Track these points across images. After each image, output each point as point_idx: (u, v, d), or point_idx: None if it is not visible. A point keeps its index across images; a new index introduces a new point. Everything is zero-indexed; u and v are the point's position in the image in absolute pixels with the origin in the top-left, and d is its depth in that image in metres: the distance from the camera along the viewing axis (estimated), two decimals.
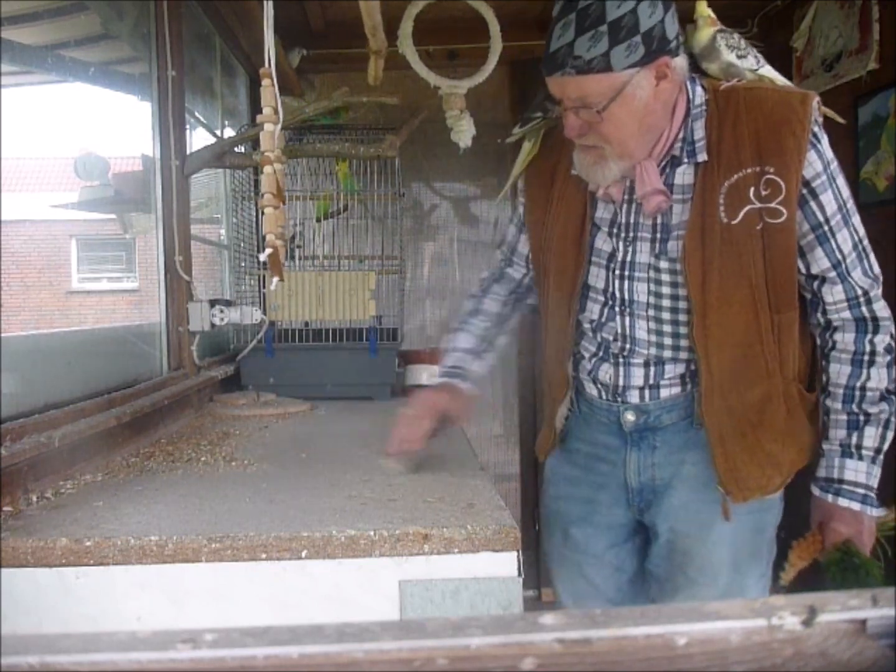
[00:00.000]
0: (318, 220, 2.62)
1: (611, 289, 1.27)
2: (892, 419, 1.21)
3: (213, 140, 2.40)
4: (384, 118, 2.84)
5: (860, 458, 1.20)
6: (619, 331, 1.27)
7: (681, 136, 1.19)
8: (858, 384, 1.21)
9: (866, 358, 1.21)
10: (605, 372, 1.30)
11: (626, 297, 1.26)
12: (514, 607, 0.99)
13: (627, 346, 1.27)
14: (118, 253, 8.34)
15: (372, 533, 0.98)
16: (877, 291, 1.22)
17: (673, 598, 1.33)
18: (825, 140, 1.18)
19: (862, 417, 1.21)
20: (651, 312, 1.25)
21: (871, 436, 1.20)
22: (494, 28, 2.34)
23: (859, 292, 1.20)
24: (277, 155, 1.39)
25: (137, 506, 1.12)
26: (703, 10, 1.30)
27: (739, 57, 1.26)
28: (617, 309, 1.27)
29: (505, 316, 1.45)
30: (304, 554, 0.98)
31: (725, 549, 1.27)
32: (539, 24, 2.75)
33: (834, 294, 1.21)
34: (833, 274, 1.20)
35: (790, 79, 2.72)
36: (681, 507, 1.28)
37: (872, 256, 1.22)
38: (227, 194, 2.63)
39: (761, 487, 1.25)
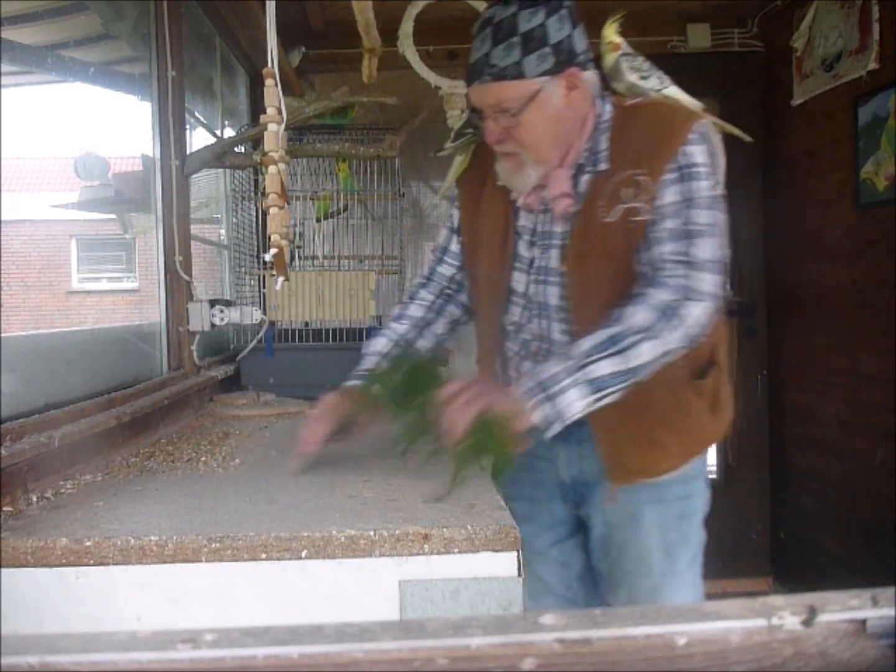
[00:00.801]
0: (318, 220, 2.62)
1: (528, 293, 1.34)
2: (624, 351, 1.14)
3: (213, 140, 2.40)
4: (384, 118, 2.84)
5: (560, 358, 1.16)
6: (537, 332, 1.35)
7: (588, 147, 1.28)
8: (619, 312, 1.18)
9: (640, 297, 1.19)
10: (527, 369, 1.35)
11: (542, 300, 1.33)
12: (514, 607, 0.99)
13: (545, 346, 1.34)
14: (118, 253, 8.34)
15: (372, 533, 0.98)
16: (689, 274, 1.19)
17: (616, 593, 1.40)
18: (696, 151, 1.21)
19: (599, 330, 1.17)
20: (563, 315, 1.31)
21: (586, 340, 1.16)
22: None
23: (657, 264, 1.20)
24: (281, 155, 1.39)
25: (137, 506, 1.12)
26: (607, 37, 1.39)
27: (642, 78, 1.37)
28: (534, 311, 1.34)
29: (429, 320, 1.47)
30: (304, 554, 0.98)
31: (655, 536, 1.34)
32: None
33: (643, 263, 1.23)
34: (646, 246, 1.22)
35: (790, 78, 2.73)
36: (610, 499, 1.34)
37: (705, 247, 1.19)
38: (227, 194, 2.63)
39: (645, 471, 1.31)
